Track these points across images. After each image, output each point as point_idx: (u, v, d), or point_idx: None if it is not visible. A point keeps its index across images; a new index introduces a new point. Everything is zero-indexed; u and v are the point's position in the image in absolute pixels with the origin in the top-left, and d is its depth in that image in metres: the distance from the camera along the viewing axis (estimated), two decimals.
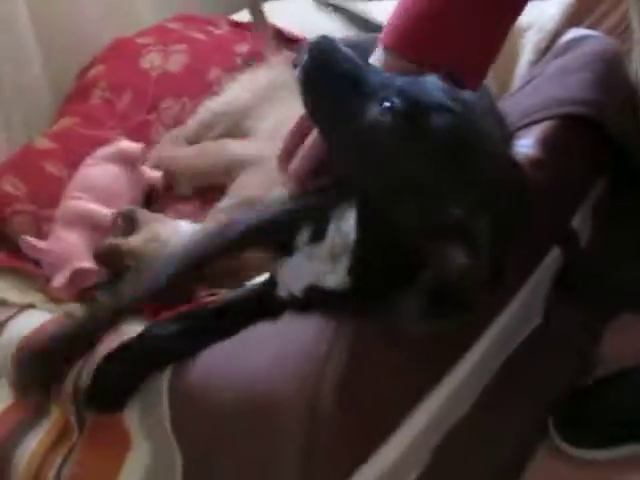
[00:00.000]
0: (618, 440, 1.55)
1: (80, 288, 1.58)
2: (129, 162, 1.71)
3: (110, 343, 1.31)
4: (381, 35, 1.24)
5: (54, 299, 1.56)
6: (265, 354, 1.20)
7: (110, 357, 1.30)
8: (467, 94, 1.13)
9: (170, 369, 1.25)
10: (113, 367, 1.30)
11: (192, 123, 1.80)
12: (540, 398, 1.56)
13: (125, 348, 1.31)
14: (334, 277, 1.21)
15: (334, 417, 1.16)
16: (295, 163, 1.24)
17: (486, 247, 1.03)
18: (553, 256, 1.56)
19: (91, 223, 1.63)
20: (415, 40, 1.20)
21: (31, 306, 1.52)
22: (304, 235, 1.25)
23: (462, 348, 1.37)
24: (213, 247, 1.29)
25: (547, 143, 1.50)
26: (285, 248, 1.27)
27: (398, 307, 1.14)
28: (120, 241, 1.57)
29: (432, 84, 1.10)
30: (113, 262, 1.56)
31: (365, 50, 1.53)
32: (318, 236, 1.23)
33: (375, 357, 1.22)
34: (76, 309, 1.52)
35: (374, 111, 1.08)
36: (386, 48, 1.23)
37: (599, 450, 1.55)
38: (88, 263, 1.58)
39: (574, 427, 1.55)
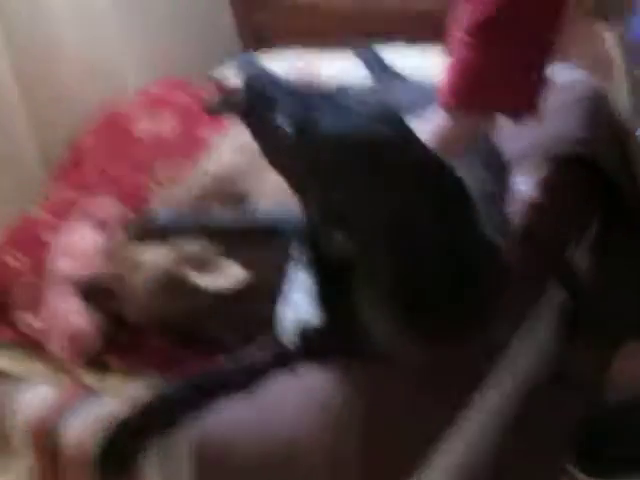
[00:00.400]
0: (634, 470, 1.55)
1: (84, 352, 1.54)
2: (102, 222, 1.69)
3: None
4: (440, 97, 1.35)
5: (64, 370, 1.54)
6: (286, 409, 1.22)
7: (120, 421, 1.32)
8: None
9: (193, 428, 1.26)
10: (123, 430, 1.31)
11: (190, 186, 1.80)
12: (558, 432, 1.56)
13: (134, 411, 1.32)
14: (314, 315, 1.28)
15: (356, 464, 1.19)
16: None
17: (360, 227, 1.16)
18: (556, 293, 1.58)
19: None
20: (474, 98, 1.31)
21: (40, 378, 1.52)
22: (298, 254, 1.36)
23: (476, 387, 1.38)
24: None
25: (544, 183, 1.54)
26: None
27: (375, 331, 1.20)
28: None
29: (317, 99, 1.26)
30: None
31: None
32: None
33: (392, 403, 1.24)
34: (88, 378, 1.51)
35: (280, 129, 1.25)
36: (449, 108, 1.34)
37: None
38: (82, 324, 1.54)
39: (590, 458, 1.55)
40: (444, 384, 1.29)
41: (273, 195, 1.64)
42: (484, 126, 1.38)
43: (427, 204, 1.16)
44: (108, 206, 1.74)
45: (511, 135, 1.68)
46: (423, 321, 1.18)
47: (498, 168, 1.54)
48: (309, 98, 1.27)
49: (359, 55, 2.00)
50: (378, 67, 1.98)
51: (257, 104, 1.31)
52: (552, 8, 1.31)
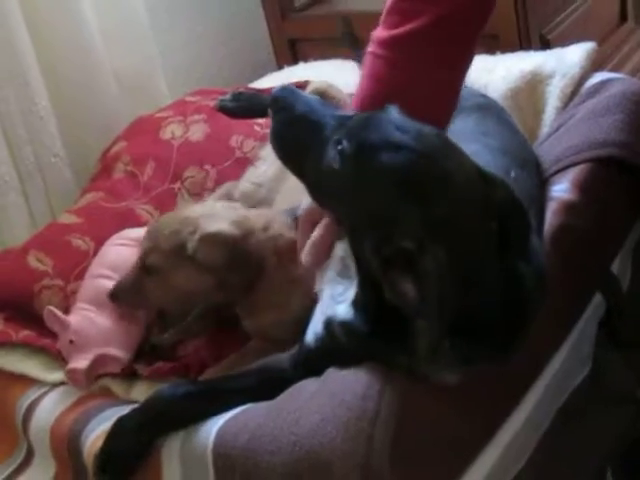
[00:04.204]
0: None
1: (98, 374, 1.50)
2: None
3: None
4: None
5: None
6: (312, 415, 1.16)
7: (121, 421, 1.29)
8: (426, 127, 1.15)
9: (213, 435, 1.21)
10: (124, 432, 1.28)
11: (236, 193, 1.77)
12: (597, 449, 1.50)
13: (135, 412, 1.30)
14: (343, 307, 1.21)
15: (387, 476, 1.12)
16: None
17: (435, 279, 1.04)
18: (596, 302, 1.52)
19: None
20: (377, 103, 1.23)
21: (62, 384, 1.49)
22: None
23: (512, 402, 1.31)
24: None
25: (582, 187, 1.47)
26: None
27: (418, 351, 1.13)
28: None
29: (384, 119, 1.13)
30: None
31: None
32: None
33: (424, 413, 1.18)
34: (111, 384, 1.48)
35: (328, 156, 1.13)
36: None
37: None
38: (115, 351, 1.51)
39: (631, 477, 1.49)
40: (486, 405, 1.25)
41: (283, 202, 1.64)
42: None
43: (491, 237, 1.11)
44: None
45: (547, 141, 1.65)
46: (467, 346, 1.13)
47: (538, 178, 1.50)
48: (363, 117, 1.16)
49: None
50: None
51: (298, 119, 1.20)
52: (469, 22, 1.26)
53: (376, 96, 1.25)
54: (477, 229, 1.10)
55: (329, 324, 1.24)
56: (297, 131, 1.19)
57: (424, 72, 1.24)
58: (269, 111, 1.23)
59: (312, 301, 1.35)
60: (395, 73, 1.24)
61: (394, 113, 1.14)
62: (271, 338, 1.45)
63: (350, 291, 1.21)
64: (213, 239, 1.41)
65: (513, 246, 1.14)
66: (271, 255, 1.46)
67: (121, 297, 1.50)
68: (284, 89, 1.22)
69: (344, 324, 1.21)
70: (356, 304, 1.20)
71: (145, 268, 1.47)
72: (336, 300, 1.24)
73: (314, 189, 1.20)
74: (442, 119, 1.27)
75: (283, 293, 1.46)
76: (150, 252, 1.46)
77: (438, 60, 1.24)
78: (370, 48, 1.28)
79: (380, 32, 1.27)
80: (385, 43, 1.25)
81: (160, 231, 1.46)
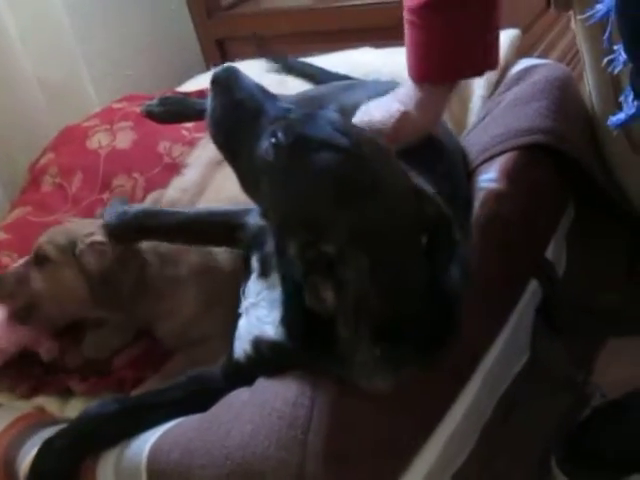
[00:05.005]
0: (620, 473, 1.49)
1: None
2: None
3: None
4: (408, 72, 1.34)
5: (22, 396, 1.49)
6: (244, 425, 1.14)
7: (50, 442, 1.27)
8: (366, 133, 1.15)
9: (147, 451, 1.19)
10: (51, 454, 1.26)
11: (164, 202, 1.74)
12: (540, 436, 1.50)
13: (62, 433, 1.28)
14: (272, 326, 1.20)
15: None
16: None
17: (353, 288, 1.04)
18: (532, 289, 1.52)
19: None
20: (437, 68, 1.30)
21: None
22: (255, 260, 1.27)
23: (448, 399, 1.31)
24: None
25: (510, 175, 1.47)
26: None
27: (349, 361, 1.11)
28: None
29: (323, 118, 1.11)
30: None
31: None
32: (266, 267, 1.25)
33: (357, 417, 1.16)
34: (46, 403, 1.46)
35: (262, 147, 1.11)
36: (416, 82, 1.33)
37: None
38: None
39: (575, 462, 1.50)
40: (422, 402, 1.24)
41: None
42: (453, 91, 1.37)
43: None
44: None
45: (474, 131, 1.65)
46: (397, 352, 1.12)
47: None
48: (305, 113, 1.13)
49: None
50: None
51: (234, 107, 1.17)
52: None
53: (423, 59, 1.30)
54: (404, 240, 1.09)
55: (257, 343, 1.23)
56: (235, 116, 1.17)
57: (459, 30, 1.28)
58: (208, 91, 1.20)
59: (208, 294, 1.41)
60: (431, 36, 1.28)
61: (334, 113, 1.12)
62: (186, 344, 1.47)
63: (275, 312, 1.20)
64: (99, 247, 1.46)
65: (441, 258, 1.13)
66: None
67: (2, 284, 1.50)
68: (226, 69, 1.19)
69: (273, 344, 1.20)
70: (284, 322, 1.18)
71: (36, 257, 1.49)
72: (262, 321, 1.22)
73: (245, 178, 1.18)
74: (485, 62, 1.33)
75: (166, 300, 1.49)
76: (45, 244, 1.49)
77: (465, 17, 1.27)
78: (405, 16, 1.31)
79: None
80: (414, 11, 1.28)
81: (59, 228, 1.53)
